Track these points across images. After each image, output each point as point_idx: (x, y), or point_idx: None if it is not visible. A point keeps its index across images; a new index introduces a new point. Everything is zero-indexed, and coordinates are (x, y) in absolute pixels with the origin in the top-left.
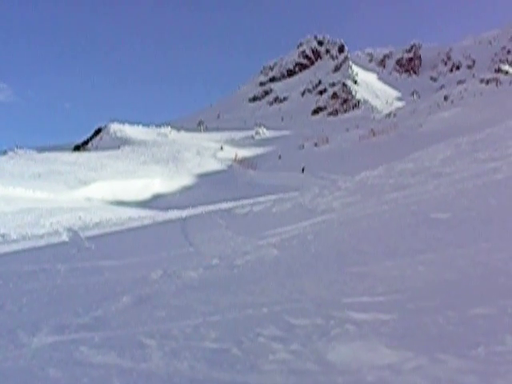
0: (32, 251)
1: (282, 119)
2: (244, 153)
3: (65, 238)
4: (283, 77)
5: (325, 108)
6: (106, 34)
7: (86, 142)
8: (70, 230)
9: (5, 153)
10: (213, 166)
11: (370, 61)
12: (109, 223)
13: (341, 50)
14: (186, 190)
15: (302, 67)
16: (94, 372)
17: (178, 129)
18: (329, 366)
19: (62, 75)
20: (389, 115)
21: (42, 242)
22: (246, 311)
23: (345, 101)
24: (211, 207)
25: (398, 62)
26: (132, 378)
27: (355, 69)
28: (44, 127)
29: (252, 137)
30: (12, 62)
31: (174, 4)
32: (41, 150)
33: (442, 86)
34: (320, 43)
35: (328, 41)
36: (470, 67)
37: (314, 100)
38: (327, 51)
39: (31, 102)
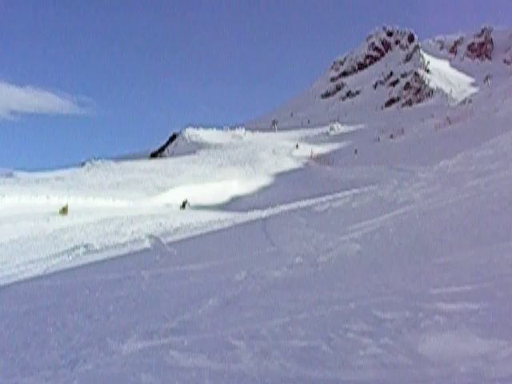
0: (115, 260)
1: (356, 113)
2: (320, 149)
3: (147, 244)
4: (354, 70)
5: (398, 99)
6: (182, 40)
7: (161, 149)
8: (151, 236)
9: (83, 165)
10: (289, 164)
11: (441, 48)
12: (189, 228)
13: (411, 39)
14: (264, 190)
15: (373, 59)
16: (185, 375)
17: (252, 130)
18: (420, 358)
19: (143, 86)
20: (464, 102)
21: (124, 250)
22: (333, 307)
23: (418, 90)
24: (290, 206)
25: (470, 48)
26: (223, 379)
27: (426, 57)
28: (127, 138)
29: (327, 133)
30: (97, 76)
31: (242, 4)
32: (117, 159)
33: None
34: (389, 34)
35: (397, 31)
36: None
37: (387, 92)
38: (397, 42)
39: (115, 114)
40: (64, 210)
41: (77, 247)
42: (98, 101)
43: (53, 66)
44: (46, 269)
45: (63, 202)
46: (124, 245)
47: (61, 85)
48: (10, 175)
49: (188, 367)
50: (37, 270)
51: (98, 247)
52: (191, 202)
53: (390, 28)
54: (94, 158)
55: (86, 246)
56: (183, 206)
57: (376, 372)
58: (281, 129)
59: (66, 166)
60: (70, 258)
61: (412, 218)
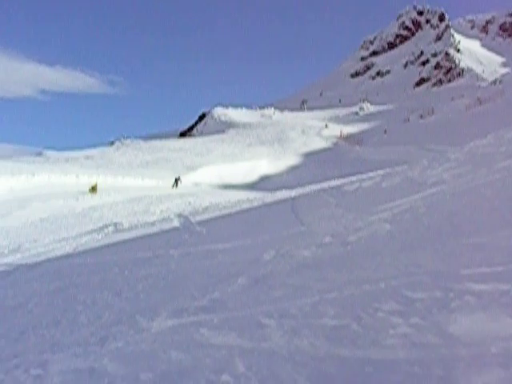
0: (144, 238)
1: (386, 93)
2: (349, 129)
3: (176, 223)
4: (384, 50)
5: (428, 79)
6: (213, 18)
7: (191, 128)
8: (180, 215)
9: (112, 144)
10: (318, 144)
11: (472, 28)
12: (218, 207)
13: (441, 18)
14: (293, 169)
15: (403, 39)
16: (215, 353)
17: (282, 109)
18: (451, 338)
19: (173, 65)
20: (494, 82)
21: (153, 229)
22: (363, 287)
23: (448, 70)
24: (319, 185)
25: (502, 27)
26: (254, 357)
27: (457, 37)
28: (156, 117)
29: (356, 113)
30: (127, 55)
31: None
32: (147, 138)
33: None
34: (420, 13)
35: (428, 10)
36: None
37: (417, 71)
38: (427, 21)
39: (145, 93)
40: (93, 189)
41: (106, 226)
42: (128, 80)
43: (83, 45)
44: (75, 247)
45: (92, 180)
46: (153, 224)
47: (91, 64)
48: (39, 154)
49: (218, 345)
50: (66, 248)
51: (127, 226)
52: (220, 181)
53: (420, 7)
54: (124, 137)
55: (115, 225)
56: (175, 183)
57: (406, 351)
58: (310, 108)
59: (96, 145)
60: (100, 236)
61: (442, 199)
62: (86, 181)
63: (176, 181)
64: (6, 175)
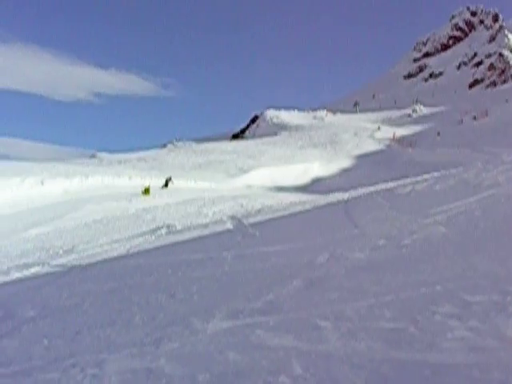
0: (197, 240)
1: (439, 95)
2: (402, 131)
3: (229, 225)
4: (437, 51)
5: (482, 80)
6: (264, 22)
7: (243, 131)
8: (233, 217)
9: (164, 146)
10: (371, 146)
11: None
12: (271, 209)
13: (495, 19)
14: (345, 172)
15: (456, 40)
16: (272, 354)
17: (334, 111)
18: (510, 341)
19: (226, 67)
20: None
21: (206, 231)
22: (419, 290)
23: (502, 71)
24: (372, 188)
25: None
26: (311, 359)
27: (511, 37)
28: (209, 119)
29: (409, 115)
30: (181, 57)
31: None
32: (199, 141)
33: None
34: (473, 14)
35: (481, 11)
36: None
37: (471, 73)
38: (481, 22)
39: (198, 95)
40: (146, 191)
41: (159, 227)
42: (182, 82)
43: (137, 49)
44: (128, 248)
45: (145, 182)
46: (206, 225)
47: (145, 67)
48: (93, 156)
49: (275, 347)
50: (120, 250)
51: (179, 228)
52: (272, 183)
53: (473, 8)
54: (176, 140)
55: (168, 227)
56: (166, 184)
57: (464, 355)
58: (363, 110)
59: (148, 148)
60: (153, 238)
61: (497, 201)
62: (139, 183)
63: (166, 181)
64: (61, 177)
